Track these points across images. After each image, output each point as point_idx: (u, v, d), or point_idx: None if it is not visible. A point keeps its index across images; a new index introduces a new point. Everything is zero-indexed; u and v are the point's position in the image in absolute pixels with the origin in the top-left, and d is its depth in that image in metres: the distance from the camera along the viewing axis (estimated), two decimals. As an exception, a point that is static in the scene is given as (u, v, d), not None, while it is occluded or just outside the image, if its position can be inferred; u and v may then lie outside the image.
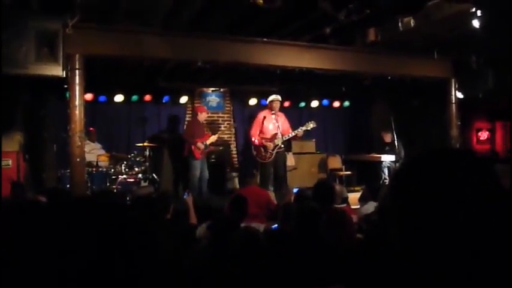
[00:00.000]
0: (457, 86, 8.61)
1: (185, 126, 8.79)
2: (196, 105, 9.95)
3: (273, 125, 8.45)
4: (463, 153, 0.88)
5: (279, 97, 8.53)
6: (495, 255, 0.77)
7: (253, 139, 8.45)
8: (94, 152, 8.08)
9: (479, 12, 5.40)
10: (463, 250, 0.78)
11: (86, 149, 7.84)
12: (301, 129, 8.54)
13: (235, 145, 10.38)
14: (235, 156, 10.35)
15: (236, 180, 9.51)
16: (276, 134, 8.41)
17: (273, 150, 8.36)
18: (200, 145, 8.31)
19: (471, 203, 0.79)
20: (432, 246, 0.80)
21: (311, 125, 8.63)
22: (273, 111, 8.47)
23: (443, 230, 0.79)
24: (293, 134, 8.54)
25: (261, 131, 8.43)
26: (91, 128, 8.16)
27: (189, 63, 7.51)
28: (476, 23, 5.55)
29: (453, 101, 8.67)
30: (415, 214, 0.82)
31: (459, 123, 8.68)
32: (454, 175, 0.83)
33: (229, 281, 2.92)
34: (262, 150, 8.36)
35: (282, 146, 8.57)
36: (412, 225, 0.82)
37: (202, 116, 8.71)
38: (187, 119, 10.07)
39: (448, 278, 0.78)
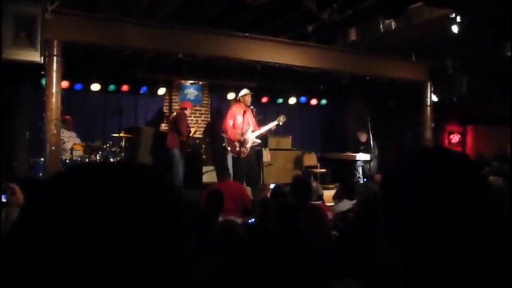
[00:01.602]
0: (432, 89, 8.81)
1: (179, 119, 8.59)
2: (174, 97, 9.91)
3: (245, 120, 8.43)
4: (452, 154, 0.89)
5: (249, 91, 8.54)
6: (485, 255, 0.78)
7: (228, 134, 8.41)
8: (70, 141, 7.94)
9: (458, 18, 5.54)
10: (451, 249, 0.79)
11: (65, 137, 7.74)
12: (273, 124, 8.61)
13: (211, 139, 10.36)
14: (211, 150, 10.33)
15: (212, 174, 9.50)
16: (248, 129, 8.41)
17: (247, 145, 8.37)
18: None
19: (461, 203, 0.81)
20: (420, 245, 0.80)
21: (282, 119, 8.69)
22: (247, 106, 8.46)
23: (432, 230, 0.80)
24: (264, 129, 8.58)
25: (234, 126, 8.40)
26: (67, 117, 8.01)
27: (169, 54, 7.46)
28: (455, 29, 5.69)
29: (428, 104, 8.86)
30: (403, 212, 0.83)
31: (433, 125, 8.89)
32: (445, 175, 0.83)
33: (210, 274, 2.94)
34: (237, 145, 8.34)
35: (258, 141, 8.61)
36: (400, 223, 0.83)
37: (188, 112, 8.86)
38: (164, 110, 10.00)
39: (436, 278, 0.79)
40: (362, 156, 9.54)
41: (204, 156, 9.83)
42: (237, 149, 8.34)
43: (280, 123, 8.77)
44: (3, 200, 3.09)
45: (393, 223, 0.85)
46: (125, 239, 0.57)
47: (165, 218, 0.62)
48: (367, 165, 9.55)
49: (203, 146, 10.03)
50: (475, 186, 0.84)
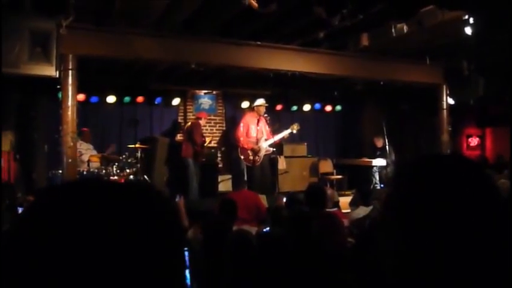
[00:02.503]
0: (448, 92, 8.69)
1: (194, 129, 8.64)
2: (188, 107, 9.99)
3: (258, 128, 8.49)
4: (461, 159, 0.89)
5: (264, 102, 8.59)
6: (493, 258, 0.78)
7: (240, 142, 8.45)
8: (87, 153, 8.05)
9: (471, 20, 5.47)
10: (464, 253, 0.78)
11: (82, 149, 7.85)
12: (286, 132, 8.63)
13: (226, 148, 10.39)
14: (227, 159, 10.36)
15: (228, 183, 9.51)
16: (261, 137, 8.46)
17: (260, 154, 8.40)
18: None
19: (472, 209, 0.80)
20: (433, 249, 0.80)
21: (295, 128, 8.71)
22: (260, 115, 8.52)
23: (445, 233, 0.79)
24: (278, 137, 8.61)
25: (247, 135, 8.45)
26: (84, 128, 8.13)
27: (181, 65, 7.52)
28: (468, 30, 5.61)
29: (444, 107, 8.75)
30: (414, 219, 0.82)
31: (450, 129, 8.76)
32: (455, 181, 0.83)
33: (222, 283, 2.93)
34: (250, 153, 8.37)
35: (272, 149, 8.64)
36: (413, 229, 0.82)
37: (203, 122, 8.95)
38: (179, 120, 10.07)
39: (449, 282, 0.78)
40: (378, 162, 9.46)
41: (219, 165, 9.86)
42: (250, 157, 8.36)
43: (294, 132, 8.78)
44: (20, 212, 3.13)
45: (404, 227, 0.84)
46: (104, 262, 0.55)
47: (152, 240, 0.60)
48: (384, 171, 9.46)
49: (218, 155, 10.05)
50: (482, 191, 0.83)
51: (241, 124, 8.59)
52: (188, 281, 3.20)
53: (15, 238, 0.57)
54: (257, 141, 8.43)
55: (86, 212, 0.58)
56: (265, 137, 8.51)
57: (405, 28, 6.04)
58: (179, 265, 0.63)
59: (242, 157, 8.45)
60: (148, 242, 0.59)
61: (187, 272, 3.18)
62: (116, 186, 0.64)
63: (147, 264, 0.58)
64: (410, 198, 0.85)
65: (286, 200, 5.51)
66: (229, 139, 10.35)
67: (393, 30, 6.12)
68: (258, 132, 8.48)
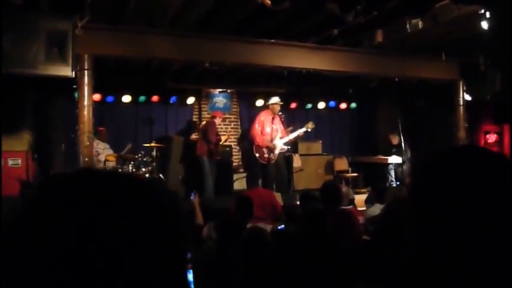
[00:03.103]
0: (464, 88, 8.58)
1: (209, 127, 8.64)
2: (203, 106, 10.05)
3: (273, 127, 8.52)
4: (486, 152, 0.86)
5: (279, 100, 8.59)
6: None
7: (256, 140, 8.48)
8: (104, 152, 8.13)
9: (488, 14, 5.39)
10: (480, 249, 0.76)
11: (99, 148, 7.94)
12: (301, 131, 8.62)
13: (242, 146, 10.41)
14: (242, 157, 10.38)
15: (243, 181, 9.53)
16: (276, 135, 8.49)
17: (276, 152, 8.41)
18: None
19: (495, 203, 0.78)
20: (454, 245, 0.78)
21: (310, 126, 8.69)
22: (275, 113, 8.54)
23: (466, 229, 0.77)
24: (293, 135, 8.61)
25: (262, 133, 8.48)
26: (101, 128, 8.21)
27: (196, 64, 7.55)
28: (485, 25, 5.53)
29: (461, 103, 8.64)
30: (436, 212, 0.80)
31: (467, 125, 8.65)
32: (479, 173, 0.81)
33: (237, 280, 2.94)
34: (265, 151, 8.39)
35: (287, 147, 8.65)
36: (433, 225, 0.81)
37: (218, 121, 8.92)
38: (194, 119, 10.11)
39: (469, 279, 0.76)
40: (394, 159, 9.39)
41: (234, 164, 9.88)
42: (266, 155, 8.38)
43: (309, 130, 8.77)
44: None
45: (424, 223, 0.83)
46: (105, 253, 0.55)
47: (153, 234, 0.59)
48: (400, 168, 9.38)
49: (233, 154, 10.08)
50: (501, 182, 0.80)
51: (257, 122, 8.61)
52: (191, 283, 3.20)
53: (17, 226, 0.58)
54: (272, 140, 8.45)
55: (84, 201, 0.57)
56: (280, 135, 8.53)
57: (420, 24, 5.98)
58: (178, 261, 0.62)
59: (257, 155, 8.46)
60: (145, 235, 0.58)
61: (189, 271, 3.20)
62: (117, 176, 0.64)
63: (142, 257, 0.57)
64: (427, 194, 0.83)
65: (300, 197, 5.51)
66: (243, 137, 10.37)
67: (408, 26, 6.06)
68: (273, 131, 8.50)
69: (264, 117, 8.59)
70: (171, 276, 0.61)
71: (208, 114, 9.89)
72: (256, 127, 8.53)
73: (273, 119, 8.55)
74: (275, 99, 8.60)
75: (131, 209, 0.59)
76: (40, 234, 0.55)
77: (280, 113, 8.63)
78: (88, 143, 6.17)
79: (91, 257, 0.54)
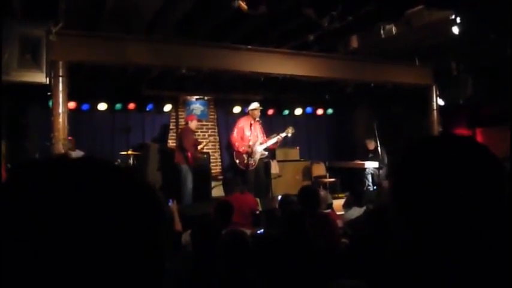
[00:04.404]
0: (438, 92, 8.76)
1: (183, 135, 8.71)
2: (180, 113, 9.97)
3: (253, 132, 8.53)
4: (463, 138, 0.87)
5: (259, 105, 8.63)
6: (498, 239, 0.76)
7: (236, 146, 8.49)
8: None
9: (458, 19, 5.53)
10: (464, 235, 0.76)
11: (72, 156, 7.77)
12: (281, 136, 8.66)
13: (219, 153, 10.38)
14: (220, 164, 10.35)
15: (220, 188, 9.49)
16: (256, 141, 8.51)
17: (255, 157, 8.42)
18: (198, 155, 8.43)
19: (477, 187, 0.78)
20: (441, 236, 0.77)
21: (290, 131, 8.74)
22: (254, 119, 8.56)
23: (451, 218, 0.77)
24: (273, 141, 8.63)
25: (242, 138, 8.49)
26: (69, 138, 8.05)
27: (173, 70, 7.52)
28: (455, 30, 5.68)
29: (434, 108, 8.82)
30: (419, 204, 0.80)
31: (440, 129, 8.82)
32: (457, 159, 0.81)
33: (215, 285, 2.91)
34: (245, 158, 8.39)
35: (266, 153, 8.68)
36: (417, 217, 0.81)
37: (193, 124, 8.74)
38: (171, 127, 10.04)
39: (460, 273, 0.76)
40: (371, 164, 9.50)
41: (213, 171, 9.84)
42: (245, 161, 8.38)
43: (289, 135, 8.82)
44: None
45: (406, 210, 0.83)
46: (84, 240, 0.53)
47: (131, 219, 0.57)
48: (377, 173, 9.50)
49: (211, 161, 10.04)
50: (487, 168, 0.81)
51: (236, 128, 8.62)
52: None
53: None
54: (251, 145, 8.46)
55: (59, 183, 0.56)
56: (260, 140, 8.56)
57: (394, 29, 6.10)
58: (157, 250, 0.60)
59: (237, 161, 8.47)
60: (124, 219, 0.57)
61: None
62: (94, 161, 0.62)
63: (121, 244, 0.55)
64: (408, 186, 0.83)
65: (280, 201, 5.52)
66: (221, 144, 10.35)
67: (382, 31, 6.18)
68: (252, 137, 8.52)
69: (243, 123, 8.61)
70: (149, 266, 0.59)
71: (184, 121, 9.83)
72: (236, 133, 8.54)
73: (251, 125, 8.57)
74: (255, 105, 8.64)
75: (111, 192, 0.58)
76: (15, 219, 0.54)
77: (258, 119, 8.66)
78: (63, 151, 6.06)
79: (68, 241, 0.53)
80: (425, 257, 0.79)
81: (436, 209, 0.78)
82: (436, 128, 8.80)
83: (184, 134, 8.61)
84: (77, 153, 8.16)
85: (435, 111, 8.82)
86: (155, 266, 0.60)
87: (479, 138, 11.17)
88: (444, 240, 0.77)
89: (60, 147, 6.06)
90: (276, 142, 8.78)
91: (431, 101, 8.82)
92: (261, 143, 8.55)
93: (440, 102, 8.77)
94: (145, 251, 0.58)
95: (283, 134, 8.72)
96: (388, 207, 0.90)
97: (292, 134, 8.87)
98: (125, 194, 0.59)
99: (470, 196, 0.77)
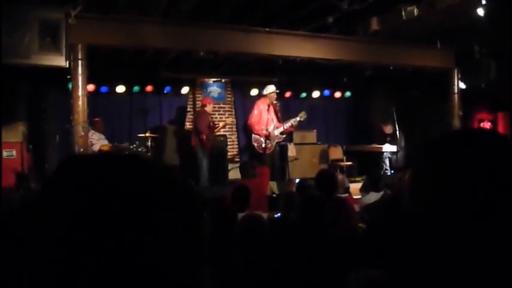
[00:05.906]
0: (459, 76, 8.59)
1: (198, 118, 8.76)
2: (197, 95, 9.99)
3: (269, 116, 8.54)
4: (491, 134, 0.87)
5: (275, 88, 8.61)
6: None
7: (255, 129, 8.51)
8: (99, 142, 8.09)
9: (483, 0, 5.37)
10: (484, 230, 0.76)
11: (94, 139, 7.89)
12: (295, 120, 8.66)
13: (236, 135, 10.39)
14: (237, 146, 10.37)
15: (237, 171, 9.53)
16: (272, 124, 8.53)
17: (273, 141, 8.44)
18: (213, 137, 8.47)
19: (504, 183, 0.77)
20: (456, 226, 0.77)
21: (303, 116, 8.75)
22: (272, 102, 8.57)
23: (477, 210, 0.77)
24: (287, 125, 8.65)
25: (259, 122, 8.50)
26: (96, 119, 8.15)
27: (190, 53, 7.51)
28: (480, 12, 5.52)
29: (455, 92, 8.66)
30: (445, 197, 0.79)
31: (461, 113, 8.68)
32: (484, 156, 0.80)
33: (231, 268, 2.95)
34: (263, 141, 8.41)
35: (283, 136, 8.69)
36: (438, 209, 0.80)
37: (210, 108, 8.81)
38: (188, 109, 10.07)
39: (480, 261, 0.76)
40: (388, 148, 9.42)
41: (229, 153, 9.88)
42: (263, 145, 8.40)
43: (302, 119, 8.81)
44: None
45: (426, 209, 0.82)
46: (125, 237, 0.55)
47: (174, 218, 0.60)
48: (394, 157, 9.42)
49: (228, 143, 10.07)
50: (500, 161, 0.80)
51: (255, 111, 8.63)
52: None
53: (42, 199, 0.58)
54: (268, 128, 8.49)
55: (108, 179, 0.58)
56: (275, 124, 8.58)
57: (415, 11, 5.97)
58: (195, 251, 0.63)
59: (256, 144, 8.50)
60: (166, 220, 0.59)
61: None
62: (139, 160, 0.64)
63: (161, 242, 0.57)
64: (431, 177, 0.83)
65: (297, 186, 5.52)
66: (238, 127, 10.36)
67: (403, 13, 6.04)
68: (269, 120, 8.53)
69: (261, 106, 8.63)
70: (187, 266, 0.61)
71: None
72: (255, 116, 8.56)
73: (268, 107, 8.58)
74: (271, 88, 8.62)
75: (153, 192, 0.60)
76: (60, 213, 0.56)
77: (275, 102, 8.65)
78: (83, 133, 6.14)
79: (111, 236, 0.55)
80: (446, 253, 0.78)
81: (459, 207, 0.77)
82: (456, 112, 8.65)
83: (199, 116, 8.65)
84: (100, 135, 8.26)
85: (456, 95, 8.66)
86: (196, 256, 0.63)
87: (500, 122, 10.98)
88: (466, 238, 0.76)
89: (79, 130, 6.12)
90: (291, 125, 8.79)
91: (452, 84, 8.65)
92: (276, 127, 8.57)
93: (462, 85, 8.60)
94: (189, 244, 0.61)
95: (297, 119, 8.72)
96: (407, 198, 0.90)
97: (305, 118, 8.88)
98: (172, 192, 0.61)
99: (495, 193, 0.76)
